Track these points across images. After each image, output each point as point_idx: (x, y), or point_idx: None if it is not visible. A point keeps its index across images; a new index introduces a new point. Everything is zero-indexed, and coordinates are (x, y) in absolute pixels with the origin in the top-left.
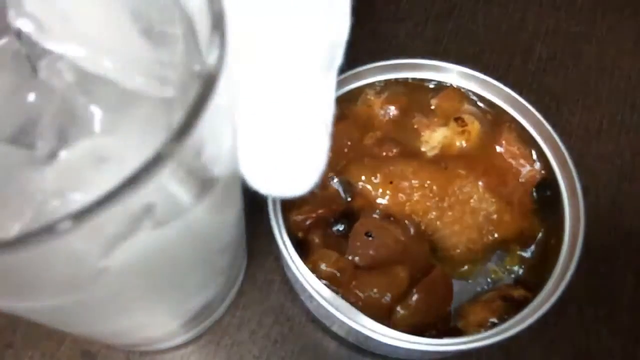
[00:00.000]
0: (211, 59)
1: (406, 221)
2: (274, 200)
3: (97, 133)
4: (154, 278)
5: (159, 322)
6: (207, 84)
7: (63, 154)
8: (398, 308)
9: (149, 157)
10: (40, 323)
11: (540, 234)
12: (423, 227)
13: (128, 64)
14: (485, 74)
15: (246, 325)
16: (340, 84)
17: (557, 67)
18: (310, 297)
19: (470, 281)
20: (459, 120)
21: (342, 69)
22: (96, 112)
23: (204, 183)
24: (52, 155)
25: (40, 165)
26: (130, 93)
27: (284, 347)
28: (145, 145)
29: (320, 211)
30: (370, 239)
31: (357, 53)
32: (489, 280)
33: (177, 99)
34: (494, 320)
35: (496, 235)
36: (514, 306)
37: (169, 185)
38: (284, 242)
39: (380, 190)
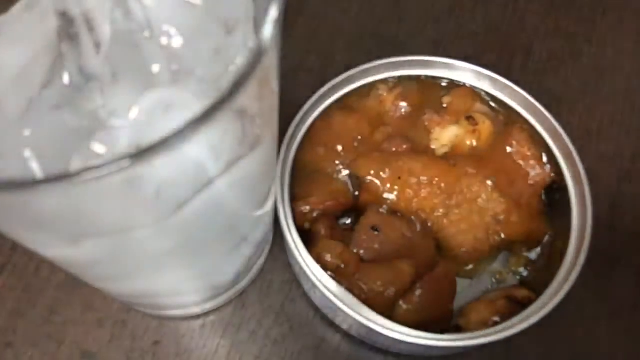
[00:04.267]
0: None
1: (413, 217)
2: (282, 190)
3: (163, 85)
4: (203, 231)
5: (188, 288)
6: (260, 53)
7: (135, 107)
8: (401, 302)
9: (212, 101)
10: (81, 277)
11: (547, 237)
12: (430, 224)
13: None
14: None
15: (246, 325)
16: (352, 79)
17: (557, 67)
18: (314, 287)
19: (474, 280)
20: (470, 119)
21: (353, 65)
22: (163, 67)
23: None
24: (123, 110)
25: (111, 121)
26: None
27: (284, 347)
28: (204, 97)
29: (327, 203)
30: (376, 233)
31: (356, 53)
32: (493, 280)
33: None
34: (497, 319)
35: (503, 235)
36: (517, 307)
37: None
38: (290, 231)
39: (388, 185)
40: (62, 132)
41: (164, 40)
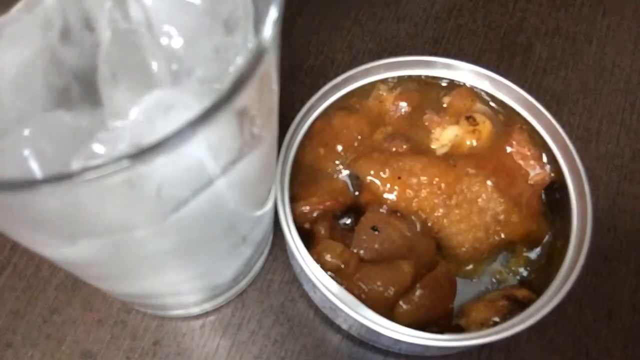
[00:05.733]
0: (266, 34)
1: (413, 217)
2: (282, 191)
3: (163, 86)
4: (203, 231)
5: (188, 287)
6: (259, 53)
7: (135, 108)
8: (401, 302)
9: (213, 101)
10: (81, 276)
11: (547, 237)
12: (429, 224)
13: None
14: None
15: (246, 325)
16: (352, 78)
17: (557, 67)
18: (314, 287)
19: (474, 280)
20: (470, 119)
21: (353, 65)
22: (163, 68)
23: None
24: (122, 111)
25: (111, 121)
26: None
27: (284, 347)
28: (204, 97)
29: (327, 203)
30: (376, 233)
31: (356, 53)
32: (493, 280)
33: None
34: (497, 319)
35: (503, 235)
36: (517, 307)
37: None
38: (290, 231)
39: (388, 185)
40: (61, 132)
41: (164, 41)
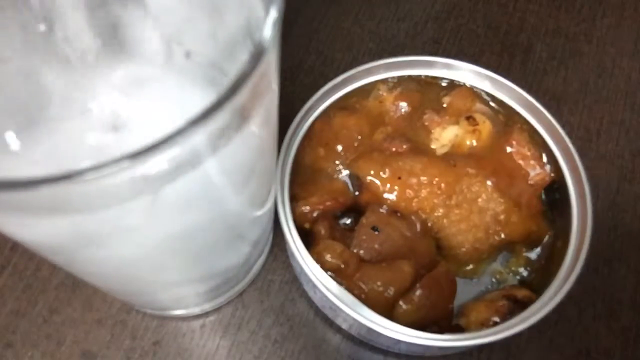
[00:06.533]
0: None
1: (413, 217)
2: (282, 191)
3: (152, 63)
4: (200, 232)
5: (186, 285)
6: (259, 53)
7: (111, 81)
8: (401, 302)
9: (213, 102)
10: (77, 272)
11: (547, 237)
12: (429, 224)
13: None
14: None
15: (246, 325)
16: (352, 78)
17: (557, 67)
18: (314, 287)
19: (474, 280)
20: (470, 119)
21: (353, 65)
22: (155, 46)
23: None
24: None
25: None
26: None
27: (284, 347)
28: (187, 74)
29: (327, 203)
30: (376, 233)
31: (356, 53)
32: (493, 280)
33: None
34: (497, 319)
35: (503, 235)
36: (517, 307)
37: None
38: (290, 231)
39: (388, 185)
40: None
41: (157, 20)
